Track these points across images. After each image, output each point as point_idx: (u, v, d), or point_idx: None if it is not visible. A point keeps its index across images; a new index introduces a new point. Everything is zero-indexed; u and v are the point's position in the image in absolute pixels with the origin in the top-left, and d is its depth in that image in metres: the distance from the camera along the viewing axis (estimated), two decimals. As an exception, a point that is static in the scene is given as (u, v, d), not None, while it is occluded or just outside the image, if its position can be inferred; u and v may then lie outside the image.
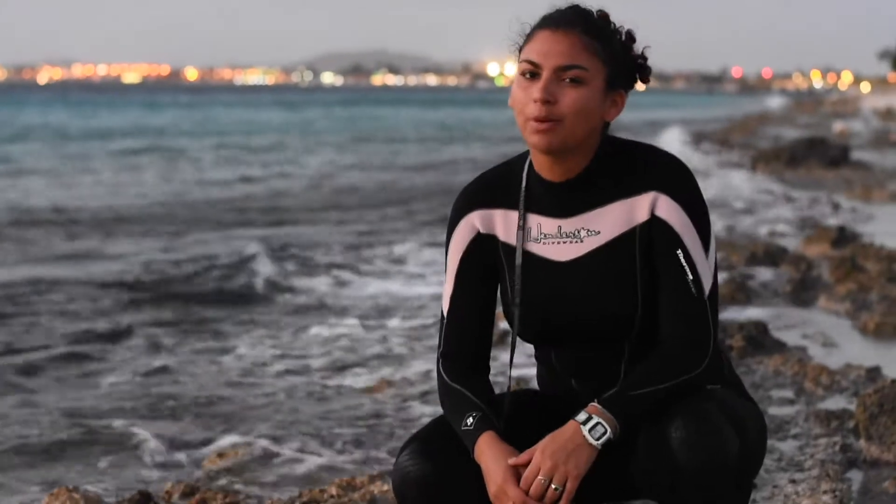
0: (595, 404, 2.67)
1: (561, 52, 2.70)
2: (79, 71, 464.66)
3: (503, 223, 2.86)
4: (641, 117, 60.51)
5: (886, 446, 4.68)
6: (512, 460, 2.66)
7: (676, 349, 2.72)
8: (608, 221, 2.78)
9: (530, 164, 2.84)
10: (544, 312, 2.81)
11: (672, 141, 33.38)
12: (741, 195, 17.52)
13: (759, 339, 6.73)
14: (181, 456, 5.44)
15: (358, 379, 6.72)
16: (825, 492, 4.22)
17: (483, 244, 2.87)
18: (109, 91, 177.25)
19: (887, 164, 22.82)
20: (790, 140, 27.91)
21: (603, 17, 2.76)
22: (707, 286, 2.74)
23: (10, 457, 5.50)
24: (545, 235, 2.82)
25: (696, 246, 2.74)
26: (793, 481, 4.41)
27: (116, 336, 8.24)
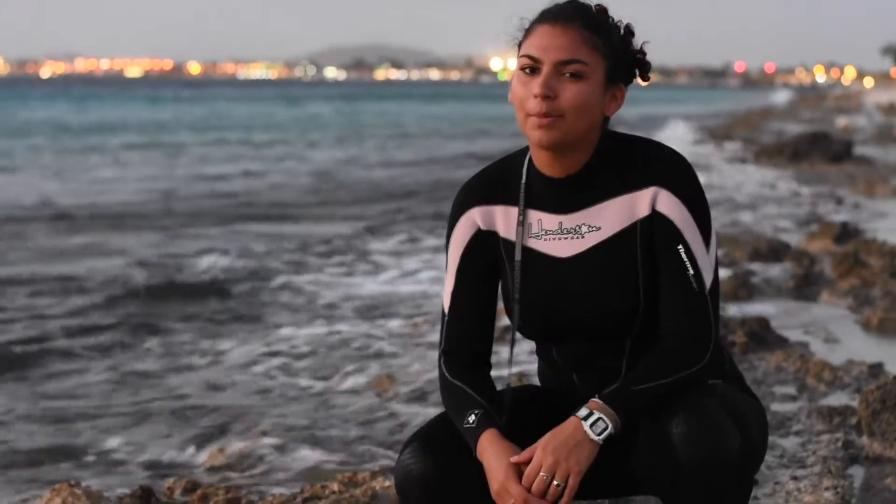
0: (596, 400, 2.66)
1: (561, 47, 2.70)
2: (82, 65, 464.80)
3: (503, 219, 2.85)
4: (642, 112, 60.45)
5: (889, 443, 4.68)
6: (514, 458, 2.66)
7: (678, 344, 2.72)
8: (609, 217, 2.77)
9: (530, 160, 2.84)
10: (545, 309, 2.81)
11: (674, 137, 33.37)
12: (744, 190, 17.51)
13: (762, 335, 6.73)
14: (182, 453, 5.44)
15: (358, 375, 6.71)
16: (827, 488, 4.21)
17: (483, 241, 2.86)
18: (112, 85, 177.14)
19: (890, 160, 22.81)
20: (793, 135, 27.90)
21: (602, 10, 2.76)
22: (708, 281, 2.74)
23: (10, 453, 5.50)
24: (546, 231, 2.82)
25: (696, 241, 2.74)
26: (795, 478, 4.41)
27: (112, 333, 8.22)
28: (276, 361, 7.15)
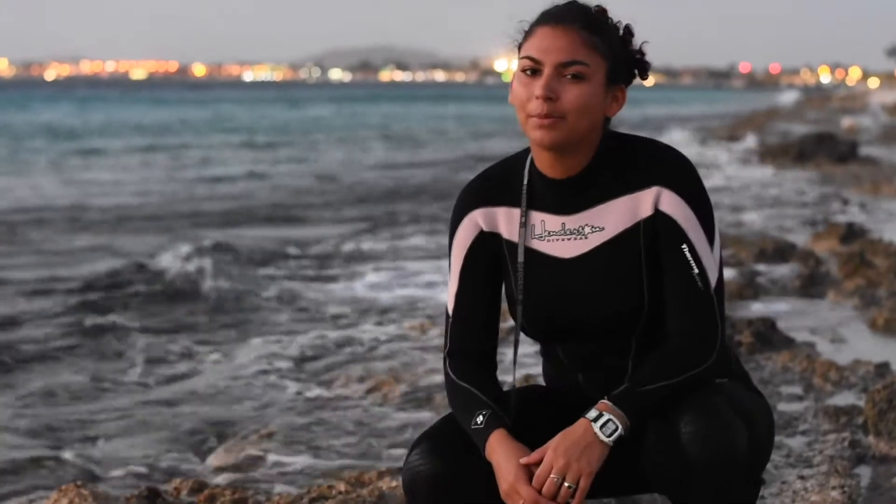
0: (605, 401, 2.66)
1: (561, 49, 2.69)
2: (87, 67, 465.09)
3: (506, 221, 2.85)
4: (646, 113, 60.41)
5: (895, 442, 4.68)
6: (524, 459, 2.66)
7: (684, 344, 2.72)
8: (612, 217, 2.77)
9: (532, 161, 2.83)
10: (549, 309, 2.81)
11: (678, 137, 33.35)
12: (749, 191, 17.51)
13: (768, 335, 6.72)
14: (188, 454, 5.45)
15: (362, 377, 6.70)
16: (834, 488, 4.21)
17: (486, 242, 2.86)
18: (116, 88, 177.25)
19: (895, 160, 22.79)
20: (799, 135, 27.89)
21: (601, 11, 2.76)
22: (713, 280, 2.74)
23: (16, 453, 5.50)
24: (549, 233, 2.81)
25: (700, 240, 2.73)
26: (801, 477, 4.41)
27: (106, 335, 8.23)
28: (281, 364, 7.14)
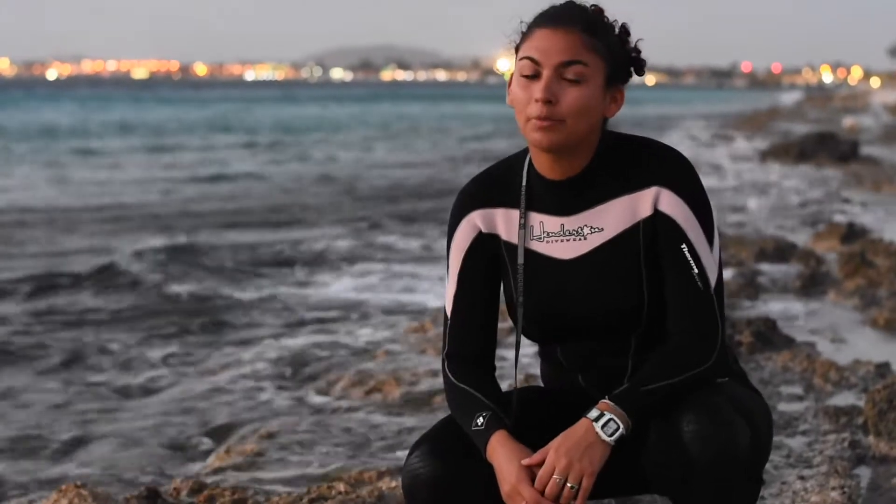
0: (606, 401, 2.66)
1: (561, 50, 2.69)
2: (88, 67, 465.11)
3: (504, 222, 2.84)
4: (649, 113, 60.38)
5: (895, 442, 4.67)
6: (525, 460, 2.65)
7: (685, 344, 2.72)
8: (611, 218, 2.77)
9: (530, 162, 2.83)
10: (549, 310, 2.81)
11: (681, 137, 33.34)
12: (750, 190, 17.50)
13: (768, 335, 6.72)
14: (188, 453, 5.45)
15: (361, 379, 6.69)
16: (834, 488, 4.21)
17: (485, 244, 2.86)
18: (118, 87, 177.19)
19: (897, 159, 22.79)
20: (800, 135, 27.88)
21: (598, 11, 2.75)
22: (713, 279, 2.74)
23: (16, 454, 5.51)
24: (548, 234, 2.81)
25: (700, 239, 2.73)
26: (801, 478, 4.40)
27: (104, 338, 8.24)
28: (278, 366, 7.13)
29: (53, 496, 4.40)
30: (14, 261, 12.17)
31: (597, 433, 2.62)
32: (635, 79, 2.85)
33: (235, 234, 14.54)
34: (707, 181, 2.79)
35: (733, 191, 17.43)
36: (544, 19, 2.74)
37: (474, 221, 2.86)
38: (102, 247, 13.24)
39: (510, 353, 2.89)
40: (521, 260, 2.82)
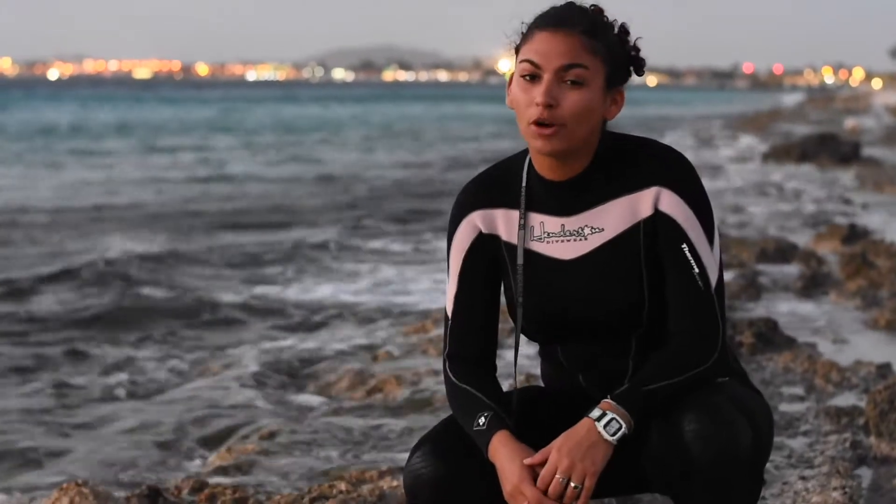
0: (608, 400, 2.66)
1: (562, 53, 2.68)
2: (90, 66, 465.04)
3: (505, 223, 2.84)
4: (650, 113, 60.36)
5: (896, 443, 4.68)
6: (527, 460, 2.65)
7: (686, 343, 2.72)
8: (612, 218, 2.77)
9: (530, 163, 2.83)
10: (549, 311, 2.81)
11: (682, 137, 33.34)
12: (751, 191, 17.49)
13: (769, 335, 6.72)
14: (189, 453, 5.44)
15: (362, 380, 6.69)
16: (835, 489, 4.21)
17: (485, 244, 2.85)
18: (119, 87, 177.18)
19: (898, 161, 22.78)
20: (801, 136, 27.88)
21: (597, 11, 2.74)
22: (713, 279, 2.74)
23: (17, 452, 5.51)
24: (548, 234, 2.81)
25: (700, 239, 2.73)
26: (803, 478, 4.40)
27: (103, 337, 8.24)
28: (279, 367, 7.13)
29: (54, 494, 4.40)
30: (5, 261, 12.15)
31: (599, 433, 2.62)
32: (636, 80, 2.85)
33: (233, 236, 14.53)
34: (708, 182, 2.78)
35: (734, 192, 17.43)
36: (545, 21, 2.73)
37: (474, 222, 2.86)
38: (92, 247, 13.20)
39: (510, 354, 2.89)
40: (520, 260, 2.82)
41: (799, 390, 5.83)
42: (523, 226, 2.82)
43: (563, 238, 2.80)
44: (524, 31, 2.76)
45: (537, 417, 2.86)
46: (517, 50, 2.76)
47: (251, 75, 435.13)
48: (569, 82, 2.68)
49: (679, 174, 2.75)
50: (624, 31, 2.77)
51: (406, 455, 3.00)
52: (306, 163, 29.11)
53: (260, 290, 10.27)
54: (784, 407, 5.49)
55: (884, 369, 6.05)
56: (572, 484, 2.61)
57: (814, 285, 8.70)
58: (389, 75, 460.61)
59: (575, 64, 2.68)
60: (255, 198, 19.85)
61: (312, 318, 8.87)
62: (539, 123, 2.68)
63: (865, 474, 4.51)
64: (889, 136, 32.65)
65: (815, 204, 15.30)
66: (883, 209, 14.39)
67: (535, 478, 2.64)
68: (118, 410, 6.34)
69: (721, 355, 2.74)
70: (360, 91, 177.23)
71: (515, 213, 2.83)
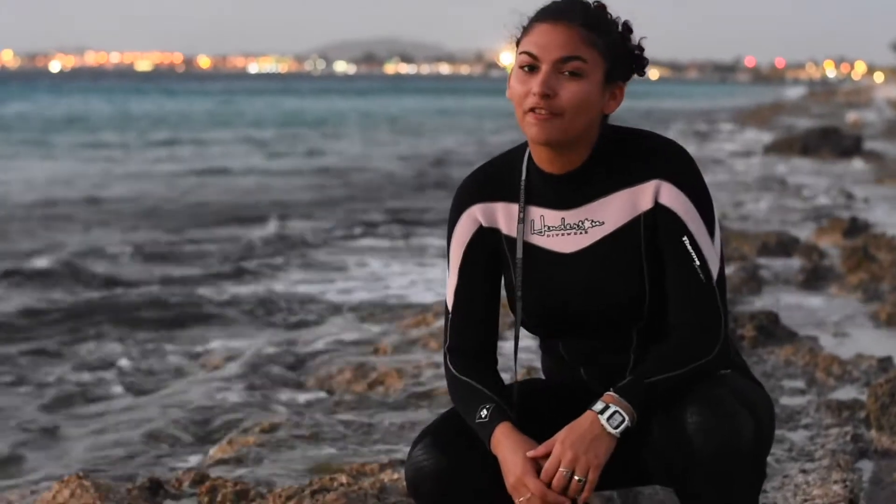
0: (611, 393, 2.66)
1: (560, 45, 2.69)
2: (92, 59, 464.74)
3: (505, 216, 2.84)
4: (650, 106, 60.31)
5: (897, 437, 4.68)
6: (530, 452, 2.66)
7: (688, 336, 2.72)
8: (612, 211, 2.77)
9: (530, 157, 2.83)
10: (550, 304, 2.81)
11: (683, 132, 33.32)
12: (753, 185, 17.49)
13: (771, 328, 6.72)
14: (190, 447, 5.45)
15: (362, 373, 6.68)
16: (836, 482, 4.21)
17: (485, 237, 2.85)
18: (121, 79, 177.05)
19: (900, 154, 22.78)
20: (803, 129, 27.87)
21: (600, 7, 2.75)
22: (715, 271, 2.74)
23: (19, 445, 5.51)
24: (549, 228, 2.81)
25: (701, 232, 2.73)
26: (803, 471, 4.40)
27: (100, 332, 8.23)
28: (279, 360, 7.12)
29: (55, 487, 4.39)
30: None
31: (602, 426, 2.63)
32: (638, 73, 2.84)
33: (231, 230, 14.51)
34: (710, 175, 2.78)
35: (736, 185, 17.42)
36: (545, 14, 2.73)
37: (475, 215, 2.86)
38: (83, 241, 13.20)
39: (511, 347, 2.89)
40: (519, 254, 2.81)
41: (800, 383, 5.83)
42: (522, 219, 2.82)
43: (563, 231, 2.80)
44: (525, 24, 2.77)
45: (538, 411, 2.86)
46: (518, 43, 2.77)
47: (253, 68, 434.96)
48: (567, 74, 2.68)
49: (679, 167, 2.75)
50: (627, 28, 2.77)
51: (407, 448, 3.00)
52: (306, 156, 29.07)
53: (256, 284, 10.26)
54: (785, 400, 5.49)
55: (885, 363, 6.04)
56: (576, 477, 2.61)
57: (815, 279, 8.70)
58: (391, 68, 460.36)
59: (573, 56, 2.68)
60: (249, 191, 19.82)
61: (311, 313, 8.87)
62: (534, 111, 2.68)
63: (866, 467, 4.51)
64: (891, 129, 32.64)
65: (817, 197, 15.29)
66: (884, 203, 14.39)
67: (537, 470, 2.64)
68: (116, 406, 6.34)
69: (723, 348, 2.74)
70: (362, 84, 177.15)
71: (515, 207, 2.83)
